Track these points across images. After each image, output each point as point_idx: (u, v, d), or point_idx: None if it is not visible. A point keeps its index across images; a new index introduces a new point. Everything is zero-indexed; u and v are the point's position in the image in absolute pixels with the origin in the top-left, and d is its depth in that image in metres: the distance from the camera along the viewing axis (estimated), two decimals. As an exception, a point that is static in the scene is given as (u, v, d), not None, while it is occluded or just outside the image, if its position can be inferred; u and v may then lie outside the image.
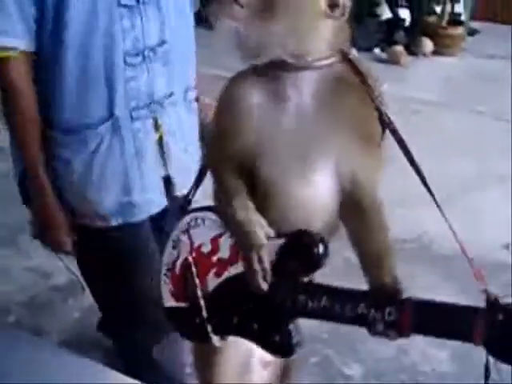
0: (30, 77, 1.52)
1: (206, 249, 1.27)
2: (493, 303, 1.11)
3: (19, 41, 1.47)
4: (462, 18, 6.10)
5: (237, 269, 1.25)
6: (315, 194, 1.21)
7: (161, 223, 1.69)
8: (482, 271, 1.29)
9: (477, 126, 4.51)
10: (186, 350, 1.55)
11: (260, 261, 1.18)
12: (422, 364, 2.46)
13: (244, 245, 1.19)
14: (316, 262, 1.19)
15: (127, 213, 1.62)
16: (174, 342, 1.58)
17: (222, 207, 1.25)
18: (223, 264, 1.26)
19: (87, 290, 1.85)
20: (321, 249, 1.18)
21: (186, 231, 1.30)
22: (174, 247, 1.32)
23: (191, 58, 1.74)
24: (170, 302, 1.33)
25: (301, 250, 1.19)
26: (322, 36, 1.11)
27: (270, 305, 1.22)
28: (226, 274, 1.26)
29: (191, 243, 1.29)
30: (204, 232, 1.28)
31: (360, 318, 1.19)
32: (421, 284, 2.81)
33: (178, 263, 1.31)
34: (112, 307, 1.81)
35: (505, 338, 1.08)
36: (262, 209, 1.20)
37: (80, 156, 1.56)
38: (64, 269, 1.81)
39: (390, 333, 1.21)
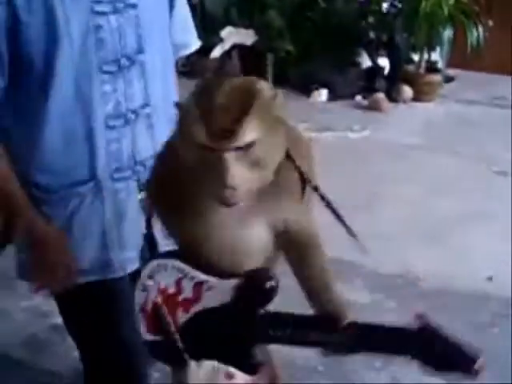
0: None
1: (171, 290, 1.40)
2: (425, 325, 1.33)
3: None
4: (439, 65, 6.34)
5: (200, 306, 1.39)
6: (251, 237, 1.35)
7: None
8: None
9: (458, 167, 4.67)
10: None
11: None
12: (415, 393, 2.52)
13: None
14: (269, 296, 1.33)
15: (104, 270, 1.63)
16: None
17: None
18: (188, 302, 1.39)
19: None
20: (271, 284, 1.32)
21: (151, 276, 1.42)
22: (142, 290, 1.43)
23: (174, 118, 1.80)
24: (146, 336, 1.45)
25: (255, 287, 1.34)
26: None
27: (234, 335, 1.37)
28: (192, 310, 1.39)
29: (158, 286, 1.42)
30: (167, 276, 1.41)
31: (313, 342, 1.37)
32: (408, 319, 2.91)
33: (149, 304, 1.42)
34: (94, 360, 1.82)
35: (434, 352, 1.31)
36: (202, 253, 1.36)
37: (60, 214, 1.57)
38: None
39: (341, 352, 1.36)
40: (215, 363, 1.42)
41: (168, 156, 1.37)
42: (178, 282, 1.38)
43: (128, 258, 1.63)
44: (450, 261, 3.39)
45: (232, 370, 1.45)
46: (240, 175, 1.16)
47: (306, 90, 6.10)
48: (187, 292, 1.38)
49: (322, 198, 1.34)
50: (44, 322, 2.83)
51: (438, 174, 4.48)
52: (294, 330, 1.34)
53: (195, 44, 1.82)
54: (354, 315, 1.39)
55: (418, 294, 3.13)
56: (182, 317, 1.40)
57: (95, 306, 1.68)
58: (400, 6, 6.03)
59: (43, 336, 2.81)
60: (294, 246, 1.38)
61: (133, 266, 1.63)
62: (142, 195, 1.60)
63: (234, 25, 6.52)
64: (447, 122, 5.70)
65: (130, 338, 1.66)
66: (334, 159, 4.30)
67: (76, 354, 2.60)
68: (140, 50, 1.54)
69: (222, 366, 1.43)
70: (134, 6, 1.51)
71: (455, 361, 1.30)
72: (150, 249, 1.60)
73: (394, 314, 2.94)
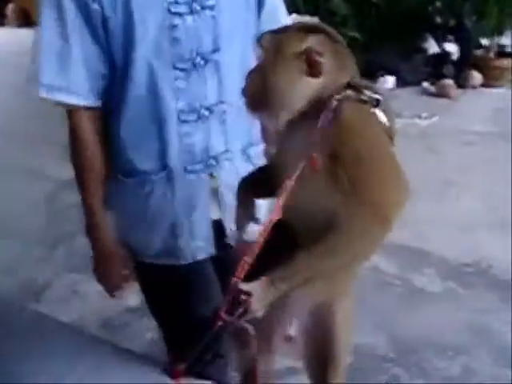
0: (95, 129, 1.61)
1: None
2: None
3: (82, 99, 1.56)
4: (509, 49, 6.19)
5: None
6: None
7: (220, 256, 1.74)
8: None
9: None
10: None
11: None
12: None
13: None
14: None
15: (173, 256, 1.69)
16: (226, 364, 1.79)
17: None
18: None
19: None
20: None
21: None
22: None
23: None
24: None
25: None
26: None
27: None
28: None
29: None
30: None
31: None
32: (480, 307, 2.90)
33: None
34: (172, 336, 1.88)
35: None
36: None
37: (136, 197, 1.65)
38: (136, 291, 1.87)
39: None
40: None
41: None
42: None
43: (197, 247, 1.68)
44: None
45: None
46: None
47: (372, 77, 6.02)
48: None
49: None
50: (119, 305, 2.94)
51: (508, 161, 4.39)
52: None
53: None
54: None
55: (489, 283, 3.10)
56: None
57: (170, 288, 1.75)
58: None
59: (118, 318, 2.94)
60: None
61: (202, 255, 1.69)
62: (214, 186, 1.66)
63: (300, 13, 6.52)
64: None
65: (207, 321, 1.71)
66: (404, 146, 4.24)
67: (149, 334, 2.75)
68: (215, 50, 1.57)
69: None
70: (211, 7, 1.55)
71: None
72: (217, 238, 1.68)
73: (464, 303, 2.94)
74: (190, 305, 1.77)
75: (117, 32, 1.50)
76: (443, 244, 3.39)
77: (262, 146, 1.80)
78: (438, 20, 6.19)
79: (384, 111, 1.27)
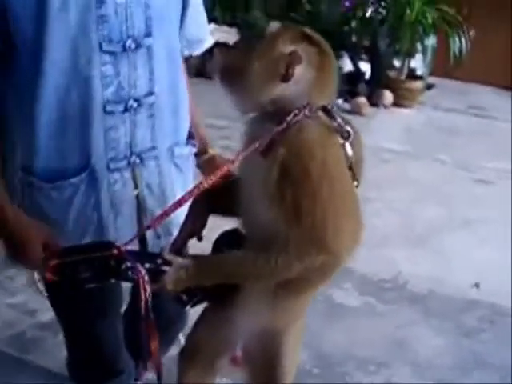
0: None
1: None
2: None
3: None
4: (420, 72, 6.43)
5: None
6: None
7: None
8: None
9: (441, 174, 4.74)
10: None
11: None
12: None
13: None
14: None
15: None
16: None
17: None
18: None
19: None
20: None
21: None
22: None
23: (182, 111, 1.62)
24: None
25: None
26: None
27: None
28: None
29: None
30: None
31: None
32: (399, 322, 2.97)
33: None
34: (76, 348, 1.82)
35: None
36: None
37: (56, 204, 1.47)
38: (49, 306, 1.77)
39: None
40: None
41: None
42: None
43: None
44: (437, 266, 3.45)
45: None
46: None
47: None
48: None
49: None
50: (31, 320, 2.79)
51: (420, 179, 4.54)
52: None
53: (208, 41, 1.74)
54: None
55: (406, 298, 3.18)
56: None
57: (78, 302, 1.61)
58: (384, 12, 6.08)
59: (31, 333, 2.76)
60: None
61: None
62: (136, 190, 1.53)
63: (217, 23, 6.51)
64: (427, 128, 5.78)
65: (111, 333, 1.67)
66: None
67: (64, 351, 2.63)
68: (148, 34, 1.42)
69: None
70: None
71: None
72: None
73: (383, 317, 2.99)
74: (89, 320, 1.67)
75: (24, 11, 1.30)
76: (362, 260, 3.43)
77: (189, 148, 1.69)
78: (354, 39, 6.33)
79: (353, 145, 1.26)
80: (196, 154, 1.76)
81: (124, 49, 1.39)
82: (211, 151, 1.81)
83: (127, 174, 1.50)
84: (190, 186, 1.42)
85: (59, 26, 1.32)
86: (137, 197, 1.55)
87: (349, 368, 2.61)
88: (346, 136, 1.23)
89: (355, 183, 1.27)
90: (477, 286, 3.29)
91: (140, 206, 1.56)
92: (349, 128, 1.24)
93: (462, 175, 4.75)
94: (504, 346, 2.81)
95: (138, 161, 1.50)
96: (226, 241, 1.37)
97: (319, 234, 1.17)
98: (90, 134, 1.41)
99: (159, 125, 1.52)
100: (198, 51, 1.73)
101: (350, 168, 1.26)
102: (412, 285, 3.28)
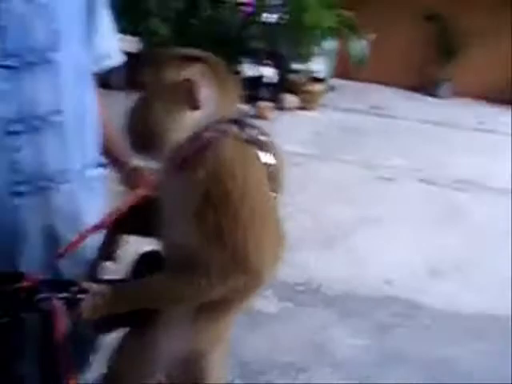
0: None
1: None
2: None
3: None
4: (322, 75, 6.56)
5: None
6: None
7: None
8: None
9: (346, 174, 4.85)
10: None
11: None
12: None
13: None
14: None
15: None
16: None
17: None
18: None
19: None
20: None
21: None
22: None
23: (93, 130, 1.54)
24: None
25: None
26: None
27: None
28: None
29: None
30: None
31: None
32: (316, 324, 2.99)
33: None
34: None
35: None
36: None
37: None
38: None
39: None
40: None
41: None
42: None
43: None
44: (349, 266, 3.51)
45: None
46: None
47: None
48: None
49: None
50: None
51: (326, 180, 4.63)
52: None
53: (118, 56, 1.64)
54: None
55: (321, 300, 3.21)
56: None
57: None
58: (285, 17, 6.15)
59: None
60: None
61: None
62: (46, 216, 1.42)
63: (119, 32, 6.38)
64: (330, 129, 5.91)
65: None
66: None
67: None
68: (53, 48, 1.33)
69: None
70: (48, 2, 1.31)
71: None
72: None
73: (301, 322, 3.01)
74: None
75: None
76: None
77: (101, 169, 1.59)
78: (255, 44, 6.38)
79: (271, 153, 1.22)
80: (118, 169, 1.67)
81: (23, 63, 1.29)
82: (133, 163, 1.68)
83: (36, 200, 1.39)
84: (104, 209, 1.37)
85: None
86: (48, 225, 1.44)
87: (272, 376, 2.61)
88: (260, 146, 1.20)
89: (274, 194, 1.24)
90: (389, 282, 3.37)
91: (52, 233, 1.44)
92: (264, 137, 1.22)
93: (367, 174, 4.88)
94: (421, 339, 2.90)
95: (48, 185, 1.40)
96: (145, 262, 1.32)
97: (241, 254, 1.14)
98: None
99: (69, 145, 1.42)
100: (106, 67, 1.65)
101: (270, 177, 1.23)
102: (326, 287, 3.32)
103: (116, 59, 1.66)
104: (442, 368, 2.75)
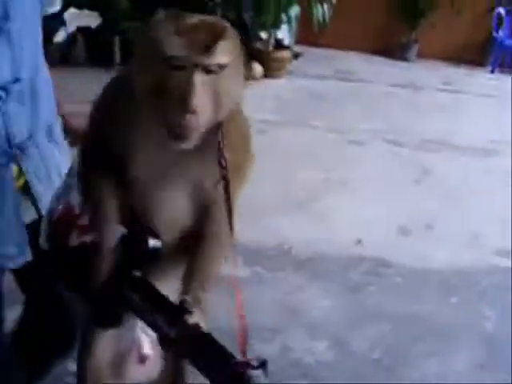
0: None
1: (76, 211, 1.33)
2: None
3: None
4: (286, 42, 6.51)
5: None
6: (176, 200, 1.30)
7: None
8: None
9: (314, 139, 4.84)
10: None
11: (104, 260, 1.25)
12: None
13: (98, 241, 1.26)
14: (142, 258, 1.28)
15: None
16: None
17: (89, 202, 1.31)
18: (84, 228, 1.31)
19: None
20: (148, 246, 1.27)
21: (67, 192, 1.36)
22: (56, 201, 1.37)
23: (50, 92, 1.56)
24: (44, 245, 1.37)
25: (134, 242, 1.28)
26: None
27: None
28: (82, 239, 1.31)
29: (68, 201, 1.35)
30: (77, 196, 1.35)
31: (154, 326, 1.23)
32: (288, 288, 3.00)
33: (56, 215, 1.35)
34: None
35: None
36: (137, 207, 1.30)
37: None
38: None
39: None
40: (127, 337, 1.38)
41: (112, 95, 1.27)
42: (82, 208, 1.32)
43: (7, 255, 1.46)
44: (319, 229, 3.52)
45: (147, 350, 1.40)
46: (202, 102, 1.11)
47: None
48: (85, 219, 1.31)
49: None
50: None
51: (295, 146, 4.61)
52: (144, 301, 1.24)
53: (58, 2, 1.66)
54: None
55: (292, 263, 3.22)
56: (73, 241, 1.32)
57: None
58: (246, -16, 6.09)
59: None
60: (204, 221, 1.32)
61: (13, 263, 1.48)
62: (21, 181, 1.46)
63: (77, 7, 6.25)
64: (298, 96, 5.88)
65: None
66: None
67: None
68: (6, 17, 1.32)
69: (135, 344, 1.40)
70: None
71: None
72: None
73: (272, 285, 3.02)
74: None
75: None
76: (245, 230, 3.45)
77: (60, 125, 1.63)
78: (219, 13, 6.29)
79: None
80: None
81: None
82: None
83: (8, 169, 1.41)
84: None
85: None
86: (25, 187, 1.48)
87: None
88: None
89: None
90: (359, 242, 3.38)
91: (32, 194, 1.49)
92: None
93: (335, 138, 4.88)
94: (391, 296, 2.92)
95: (18, 152, 1.43)
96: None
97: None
98: None
99: (33, 111, 1.44)
100: (47, 13, 1.62)
101: None
102: (297, 250, 3.32)
103: (57, 5, 1.65)
104: (416, 324, 2.78)
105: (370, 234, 3.47)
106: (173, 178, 1.26)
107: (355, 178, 4.15)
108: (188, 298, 1.21)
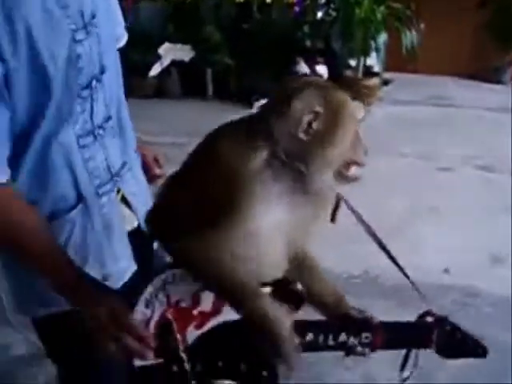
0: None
1: (186, 303, 1.31)
2: (442, 318, 1.48)
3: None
4: (376, 69, 6.52)
5: (219, 319, 1.33)
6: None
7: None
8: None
9: (404, 167, 4.81)
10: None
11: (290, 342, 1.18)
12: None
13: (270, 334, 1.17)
14: (301, 300, 1.39)
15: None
16: None
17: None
18: (205, 316, 1.32)
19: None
20: (298, 289, 1.38)
21: (163, 288, 1.30)
22: (146, 306, 1.30)
23: (131, 127, 1.74)
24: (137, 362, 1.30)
25: (287, 293, 1.35)
26: None
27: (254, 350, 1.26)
28: (208, 325, 1.33)
29: (168, 300, 1.31)
30: (183, 288, 1.30)
31: (341, 345, 1.41)
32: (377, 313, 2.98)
33: (153, 321, 1.30)
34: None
35: (451, 342, 1.47)
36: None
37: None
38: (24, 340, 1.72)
39: (366, 351, 1.43)
40: None
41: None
42: (196, 295, 1.30)
43: (123, 268, 1.61)
44: (406, 255, 3.47)
45: None
46: None
47: (247, 102, 6.11)
48: (205, 305, 1.30)
49: (352, 210, 1.45)
50: (3, 354, 2.80)
51: (384, 174, 4.60)
52: (323, 335, 1.37)
53: (125, 36, 1.76)
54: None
55: (378, 291, 3.21)
56: (192, 333, 1.31)
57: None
58: (335, 13, 6.16)
59: (3, 367, 2.76)
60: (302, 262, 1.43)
61: (128, 275, 1.63)
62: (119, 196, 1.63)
63: (171, 41, 6.53)
64: (388, 123, 5.86)
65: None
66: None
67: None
68: (103, 69, 1.48)
69: None
70: (96, 24, 1.43)
71: (470, 347, 1.47)
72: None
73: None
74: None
75: (22, 81, 1.29)
76: (332, 256, 3.46)
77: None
78: (308, 43, 6.40)
79: None
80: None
81: (91, 89, 1.46)
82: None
83: (113, 195, 1.59)
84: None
85: (56, 91, 1.35)
86: (124, 201, 1.65)
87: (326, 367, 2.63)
88: None
89: None
90: (446, 270, 3.34)
91: (131, 208, 1.67)
92: None
93: (426, 166, 4.83)
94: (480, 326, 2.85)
95: (118, 179, 1.60)
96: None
97: None
98: (73, 171, 1.47)
99: (122, 141, 1.63)
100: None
101: None
102: (383, 277, 3.31)
103: (124, 39, 1.79)
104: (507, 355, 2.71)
105: (460, 261, 3.41)
106: None
107: (444, 204, 4.10)
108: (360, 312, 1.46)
